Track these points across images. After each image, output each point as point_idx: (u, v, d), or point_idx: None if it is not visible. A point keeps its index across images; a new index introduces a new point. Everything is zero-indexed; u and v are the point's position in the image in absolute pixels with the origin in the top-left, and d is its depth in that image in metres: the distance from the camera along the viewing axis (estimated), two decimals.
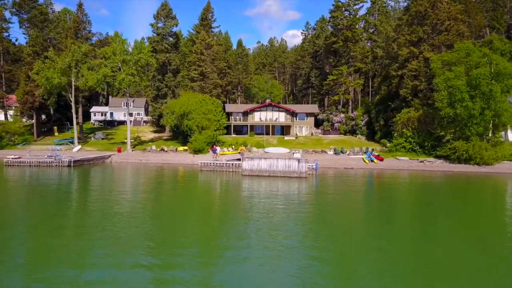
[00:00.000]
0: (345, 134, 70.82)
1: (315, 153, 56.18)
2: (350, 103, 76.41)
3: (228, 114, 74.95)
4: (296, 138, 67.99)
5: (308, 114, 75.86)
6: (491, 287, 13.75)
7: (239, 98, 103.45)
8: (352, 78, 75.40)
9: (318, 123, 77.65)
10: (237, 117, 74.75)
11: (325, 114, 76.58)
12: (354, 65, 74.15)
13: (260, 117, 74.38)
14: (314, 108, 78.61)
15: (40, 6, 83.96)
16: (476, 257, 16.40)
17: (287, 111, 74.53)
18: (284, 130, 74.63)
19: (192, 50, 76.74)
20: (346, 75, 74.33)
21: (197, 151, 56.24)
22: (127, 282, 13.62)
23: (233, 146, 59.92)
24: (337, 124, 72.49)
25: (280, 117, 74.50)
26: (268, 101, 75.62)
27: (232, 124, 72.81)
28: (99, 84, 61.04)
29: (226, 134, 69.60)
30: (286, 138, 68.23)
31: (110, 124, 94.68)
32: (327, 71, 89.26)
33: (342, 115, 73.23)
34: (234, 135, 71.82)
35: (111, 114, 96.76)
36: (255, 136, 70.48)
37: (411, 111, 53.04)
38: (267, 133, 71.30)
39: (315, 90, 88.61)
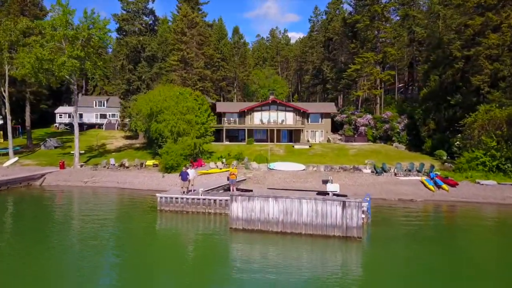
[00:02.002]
0: (374, 141, 51.22)
1: (343, 171, 36.54)
2: (379, 101, 56.83)
3: (220, 115, 55.39)
4: (310, 146, 48.39)
5: (323, 115, 56.25)
6: None
7: (235, 96, 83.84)
8: (380, 68, 55.91)
9: (335, 127, 58.12)
10: (231, 119, 55.13)
11: (345, 115, 56.95)
12: (383, 51, 54.58)
13: (261, 118, 54.76)
14: (330, 107, 58.98)
15: None
16: None
17: (296, 110, 54.90)
18: (293, 135, 55.00)
19: (173, 29, 57.05)
20: (374, 64, 54.80)
21: (169, 169, 36.60)
22: None
23: (224, 160, 40.31)
24: (362, 127, 52.87)
25: (288, 119, 54.86)
26: (271, 97, 56.01)
27: (224, 128, 53.17)
28: (37, 72, 41.27)
29: (216, 141, 50.04)
30: (296, 146, 48.60)
31: (78, 127, 74.78)
32: (343, 61, 69.81)
33: (369, 116, 53.60)
34: (227, 143, 52.21)
35: (80, 116, 76.91)
36: (255, 143, 50.91)
37: (494, 108, 33.46)
38: (271, 140, 51.76)
39: (331, 85, 68.91)
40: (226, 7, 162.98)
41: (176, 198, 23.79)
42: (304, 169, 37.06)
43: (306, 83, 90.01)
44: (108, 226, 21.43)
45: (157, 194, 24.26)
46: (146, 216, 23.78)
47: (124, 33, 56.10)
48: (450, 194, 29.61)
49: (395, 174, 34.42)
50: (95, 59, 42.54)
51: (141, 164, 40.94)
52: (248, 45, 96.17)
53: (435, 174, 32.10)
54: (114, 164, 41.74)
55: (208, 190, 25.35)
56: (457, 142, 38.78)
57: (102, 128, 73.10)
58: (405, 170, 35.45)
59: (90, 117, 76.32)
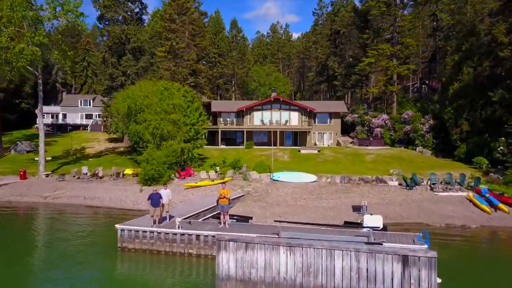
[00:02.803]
0: (392, 145, 43.87)
1: (364, 184, 29.14)
2: (395, 99, 49.54)
3: (215, 115, 48.08)
4: (318, 151, 41.06)
5: (332, 115, 48.86)
6: None
7: (234, 95, 76.56)
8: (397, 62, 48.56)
9: (345, 128, 50.75)
10: (228, 119, 47.75)
11: (356, 115, 49.57)
12: (401, 42, 47.29)
13: (262, 118, 47.36)
14: (340, 106, 51.59)
15: None
16: None
17: (302, 109, 47.48)
18: (299, 138, 47.65)
19: (160, 15, 49.75)
20: (390, 57, 47.51)
21: (149, 180, 29.20)
22: None
23: (218, 169, 32.92)
24: (378, 129, 45.50)
25: (292, 119, 47.40)
26: (274, 95, 48.63)
27: (219, 130, 45.77)
28: None
29: (210, 145, 42.76)
30: (303, 151, 41.25)
31: (62, 129, 67.64)
32: (351, 55, 62.55)
33: (385, 116, 46.29)
34: (223, 147, 44.85)
35: (64, 116, 69.75)
36: (255, 147, 43.61)
37: None
38: (274, 143, 44.33)
39: (339, 81, 61.49)
40: (225, 7, 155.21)
41: (144, 231, 16.41)
42: (315, 181, 29.69)
43: (310, 81, 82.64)
44: (38, 273, 14.01)
45: (117, 226, 16.84)
46: (100, 259, 16.31)
47: (107, 22, 48.81)
48: (509, 215, 22.32)
49: (431, 188, 27.04)
50: (64, 48, 35.16)
51: (118, 174, 33.46)
52: (247, 41, 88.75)
53: (487, 189, 24.73)
54: (86, 173, 34.32)
55: (188, 217, 17.95)
56: (501, 147, 31.61)
57: (87, 129, 65.68)
58: (442, 182, 28.08)
59: (74, 118, 68.95)
